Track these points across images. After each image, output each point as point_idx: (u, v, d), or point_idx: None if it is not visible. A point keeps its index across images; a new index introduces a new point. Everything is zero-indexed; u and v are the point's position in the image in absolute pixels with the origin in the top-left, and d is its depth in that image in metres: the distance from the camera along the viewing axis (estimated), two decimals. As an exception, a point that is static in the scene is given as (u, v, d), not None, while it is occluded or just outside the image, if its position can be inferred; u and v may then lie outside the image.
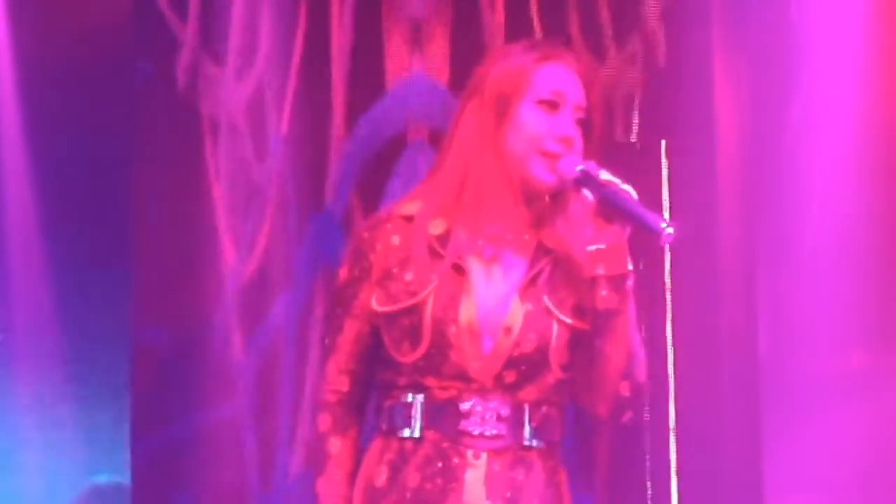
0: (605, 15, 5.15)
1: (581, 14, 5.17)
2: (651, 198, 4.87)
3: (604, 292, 3.20)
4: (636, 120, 5.15)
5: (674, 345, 4.87)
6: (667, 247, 4.71)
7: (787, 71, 5.32)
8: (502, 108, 3.27)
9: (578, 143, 3.26)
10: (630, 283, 3.22)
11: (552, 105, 3.27)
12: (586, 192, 3.18)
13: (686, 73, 5.05)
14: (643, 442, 4.98)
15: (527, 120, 3.27)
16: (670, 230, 3.11)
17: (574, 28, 5.15)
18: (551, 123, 3.26)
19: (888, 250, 5.49)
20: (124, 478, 5.32)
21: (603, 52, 5.16)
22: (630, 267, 3.21)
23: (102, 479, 5.64)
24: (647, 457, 4.99)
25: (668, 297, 4.90)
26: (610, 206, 3.18)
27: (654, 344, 4.93)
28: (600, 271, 3.18)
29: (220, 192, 5.43)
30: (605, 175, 3.17)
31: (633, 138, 5.16)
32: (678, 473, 4.91)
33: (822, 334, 5.47)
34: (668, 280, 4.92)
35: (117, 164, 5.36)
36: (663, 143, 5.02)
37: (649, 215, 3.14)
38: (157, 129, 5.34)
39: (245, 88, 5.38)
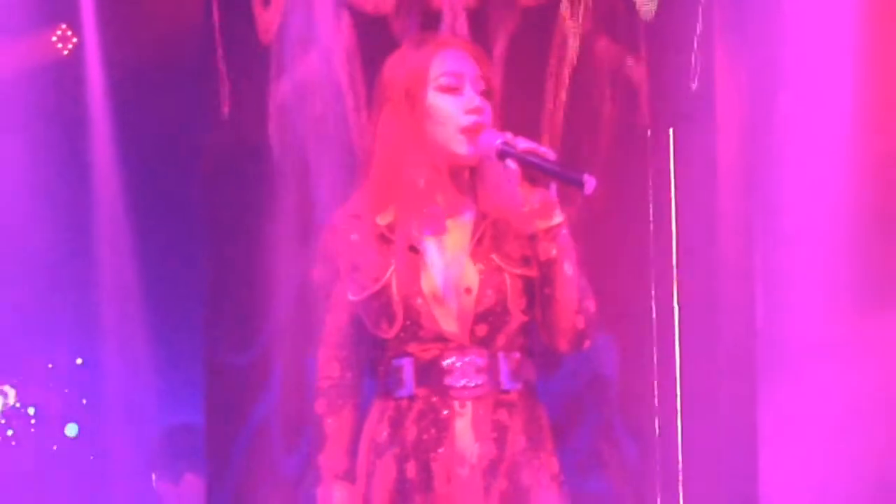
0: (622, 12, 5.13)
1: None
2: (661, 179, 5.04)
3: (543, 244, 3.46)
4: (645, 110, 5.17)
5: (679, 314, 4.92)
6: (674, 233, 4.92)
7: (782, 64, 5.32)
8: (412, 102, 3.50)
9: (487, 110, 3.50)
10: (564, 231, 3.45)
11: (453, 88, 3.51)
12: (510, 163, 3.40)
13: (687, 65, 5.04)
14: (652, 400, 5.00)
15: (436, 105, 3.50)
16: (592, 180, 3.35)
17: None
18: (457, 102, 3.50)
19: (874, 229, 5.58)
20: (198, 419, 5.58)
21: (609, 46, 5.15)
22: (560, 219, 3.45)
23: (179, 419, 6.03)
24: (657, 413, 5.01)
25: (675, 273, 4.98)
26: (533, 170, 3.41)
27: (662, 315, 4.96)
28: (536, 227, 3.44)
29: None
30: (523, 144, 3.41)
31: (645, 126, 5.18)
32: (683, 429, 4.93)
33: (812, 304, 5.55)
34: (674, 258, 4.97)
35: (193, 157, 5.61)
36: (671, 130, 5.02)
37: (570, 172, 3.39)
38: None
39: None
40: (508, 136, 3.45)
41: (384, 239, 3.51)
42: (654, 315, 5.05)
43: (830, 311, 5.71)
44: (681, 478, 4.93)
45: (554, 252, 3.45)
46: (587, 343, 3.56)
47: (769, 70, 5.23)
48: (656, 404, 4.94)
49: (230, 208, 5.48)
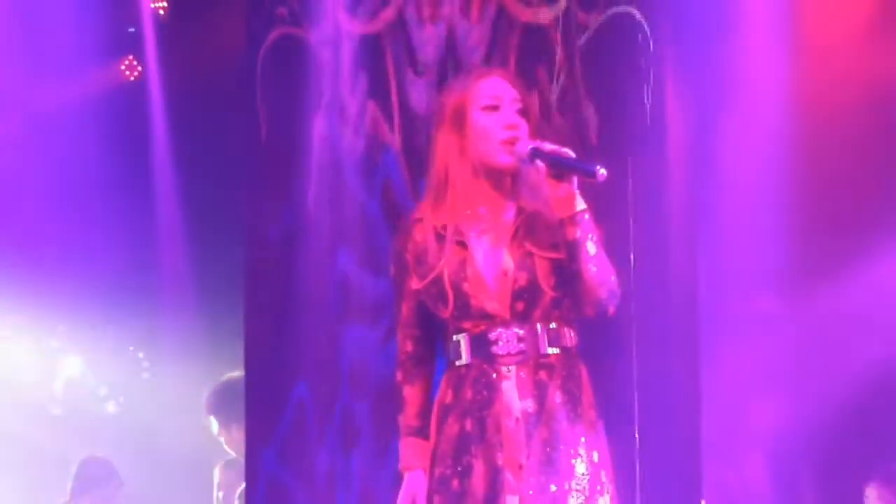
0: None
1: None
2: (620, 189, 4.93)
3: (569, 228, 3.69)
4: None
5: (635, 287, 4.95)
6: (631, 228, 5.00)
7: (723, 88, 5.74)
8: (460, 121, 3.79)
9: (523, 126, 3.77)
10: (586, 216, 3.67)
11: (493, 107, 3.79)
12: (539, 162, 3.67)
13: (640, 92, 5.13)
14: (613, 366, 4.97)
15: (479, 122, 3.79)
16: (603, 171, 3.60)
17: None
18: (497, 119, 3.78)
19: (798, 223, 6.02)
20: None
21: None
22: (582, 206, 3.67)
23: (233, 374, 6.36)
24: (614, 373, 4.97)
25: (632, 254, 5.02)
26: (557, 167, 3.66)
27: (623, 287, 4.84)
28: (562, 215, 3.69)
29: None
30: (548, 146, 3.69)
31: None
32: (638, 385, 5.01)
33: (746, 282, 6.05)
34: (631, 242, 5.02)
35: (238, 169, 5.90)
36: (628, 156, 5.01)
37: (587, 165, 3.64)
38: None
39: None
40: (537, 141, 3.72)
41: (440, 237, 3.78)
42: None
43: (762, 289, 6.16)
44: (637, 426, 4.99)
45: (578, 234, 3.66)
46: (611, 310, 3.75)
47: (712, 94, 5.60)
48: (616, 370, 4.96)
49: (270, 220, 5.62)
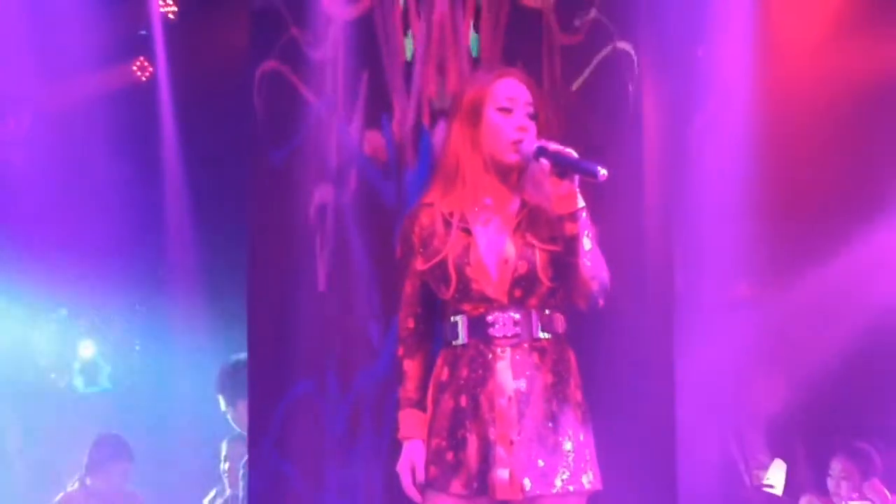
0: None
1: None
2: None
3: (568, 224, 3.77)
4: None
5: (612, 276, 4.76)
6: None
7: (697, 92, 5.83)
8: (475, 117, 3.88)
9: (532, 129, 3.86)
10: (584, 214, 3.76)
11: (508, 109, 3.87)
12: (543, 160, 3.76)
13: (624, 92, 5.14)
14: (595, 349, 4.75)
15: (493, 122, 3.87)
16: (604, 172, 3.67)
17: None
18: (510, 121, 3.86)
19: (766, 217, 6.23)
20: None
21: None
22: (582, 204, 3.76)
23: (240, 356, 6.32)
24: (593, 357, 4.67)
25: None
26: (561, 166, 3.74)
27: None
28: (563, 211, 3.77)
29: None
30: (553, 146, 3.77)
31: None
32: (616, 368, 5.00)
33: (721, 271, 6.18)
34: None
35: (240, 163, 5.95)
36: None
37: (589, 165, 3.71)
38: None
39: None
40: (543, 141, 3.81)
41: (446, 223, 3.86)
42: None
43: (733, 278, 6.39)
44: (614, 408, 4.82)
45: (576, 230, 3.75)
46: (601, 302, 3.84)
47: (687, 96, 5.66)
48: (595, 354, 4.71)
49: (272, 212, 5.63)
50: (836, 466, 6.10)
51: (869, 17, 6.49)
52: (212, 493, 6.88)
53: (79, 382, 8.06)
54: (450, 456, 3.83)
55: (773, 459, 6.54)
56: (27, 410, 7.71)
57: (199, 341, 7.49)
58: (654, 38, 5.18)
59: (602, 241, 3.94)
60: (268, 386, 5.57)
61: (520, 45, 5.30)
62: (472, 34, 5.36)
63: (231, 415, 6.68)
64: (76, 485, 6.90)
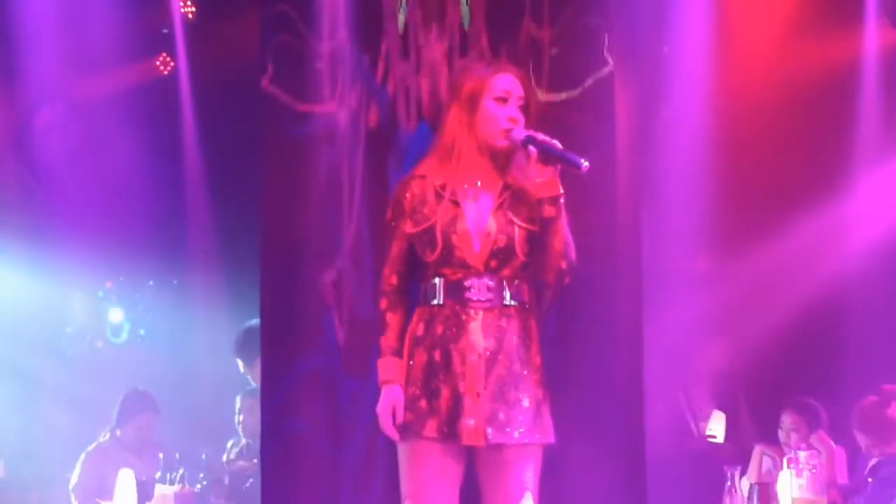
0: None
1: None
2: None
3: (546, 206, 4.00)
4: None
5: (587, 252, 4.57)
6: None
7: (662, 84, 6.02)
8: (473, 105, 4.10)
9: (521, 120, 4.09)
10: (562, 200, 3.98)
11: (503, 100, 4.10)
12: (531, 148, 3.98)
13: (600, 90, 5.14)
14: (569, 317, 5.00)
15: (489, 110, 4.11)
16: (586, 163, 3.93)
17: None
18: (503, 111, 4.09)
19: (725, 197, 6.54)
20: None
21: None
22: (561, 190, 3.98)
23: (254, 322, 6.35)
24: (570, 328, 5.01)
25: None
26: (546, 154, 3.96)
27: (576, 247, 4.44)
28: (543, 195, 3.99)
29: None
30: (541, 136, 4.01)
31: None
32: (588, 335, 5.07)
33: (683, 244, 6.50)
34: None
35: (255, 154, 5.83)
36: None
37: (572, 156, 3.95)
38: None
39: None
40: (532, 131, 4.03)
41: (438, 194, 4.05)
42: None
43: (695, 252, 6.70)
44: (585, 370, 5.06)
45: (553, 213, 3.96)
46: (567, 280, 4.06)
47: (654, 91, 5.79)
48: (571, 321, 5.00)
49: (284, 189, 5.55)
50: (786, 420, 6.20)
51: (818, 18, 6.78)
52: (229, 444, 7.08)
53: (110, 338, 8.31)
54: (423, 403, 4.01)
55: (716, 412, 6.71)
56: (64, 369, 7.96)
57: (217, 309, 7.75)
58: (626, 39, 5.27)
59: (576, 221, 4.11)
60: (279, 351, 5.56)
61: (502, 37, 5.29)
62: (462, 6, 5.34)
63: (250, 375, 6.86)
64: (107, 436, 7.09)
